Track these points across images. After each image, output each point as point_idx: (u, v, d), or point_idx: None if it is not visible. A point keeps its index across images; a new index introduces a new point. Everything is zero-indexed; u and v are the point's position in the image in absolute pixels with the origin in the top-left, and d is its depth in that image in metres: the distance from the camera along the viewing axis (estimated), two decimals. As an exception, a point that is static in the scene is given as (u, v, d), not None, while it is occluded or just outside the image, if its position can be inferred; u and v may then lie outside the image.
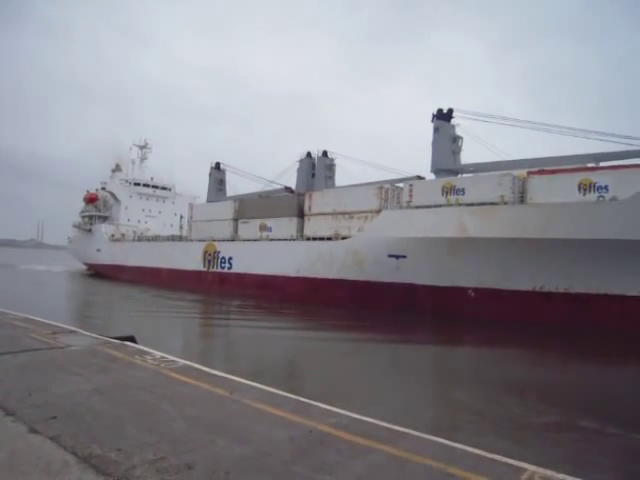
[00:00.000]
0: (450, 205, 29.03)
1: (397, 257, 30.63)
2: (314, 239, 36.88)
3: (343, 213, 35.73)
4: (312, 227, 37.74)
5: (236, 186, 54.39)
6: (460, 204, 28.62)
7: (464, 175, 33.81)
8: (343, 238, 34.51)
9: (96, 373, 8.24)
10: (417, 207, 30.73)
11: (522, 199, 27.31)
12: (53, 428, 5.53)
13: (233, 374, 8.83)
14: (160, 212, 71.48)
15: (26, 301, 27.47)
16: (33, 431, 5.44)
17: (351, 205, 35.43)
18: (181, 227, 65.62)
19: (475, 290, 28.68)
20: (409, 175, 37.41)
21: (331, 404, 7.12)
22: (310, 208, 38.27)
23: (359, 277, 32.75)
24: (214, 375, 8.63)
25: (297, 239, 38.26)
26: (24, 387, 7.12)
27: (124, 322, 25.33)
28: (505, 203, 27.25)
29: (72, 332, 12.66)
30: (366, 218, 33.92)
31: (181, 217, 68.12)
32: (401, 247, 30.29)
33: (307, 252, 36.61)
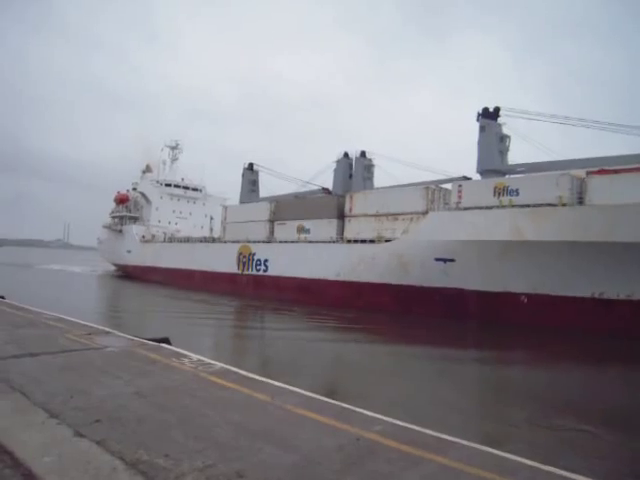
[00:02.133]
0: (503, 207, 28.64)
1: (445, 261, 30.40)
2: (355, 241, 36.90)
3: (387, 215, 35.62)
4: (353, 229, 37.74)
5: (269, 187, 55.23)
6: (513, 205, 28.21)
7: (516, 175, 33.35)
8: (387, 241, 34.45)
9: (135, 376, 8.48)
10: (467, 208, 30.43)
11: (580, 200, 26.77)
12: (98, 432, 5.70)
13: (271, 378, 8.97)
14: (190, 213, 72.89)
15: (54, 301, 28.22)
16: (78, 434, 5.61)
17: (395, 206, 35.28)
18: (211, 229, 67.06)
19: (528, 296, 28.24)
20: (454, 176, 37.10)
21: (374, 410, 7.16)
22: (351, 209, 38.27)
23: (403, 281, 32.60)
24: (253, 379, 8.78)
25: (337, 241, 38.32)
26: (65, 389, 7.38)
27: (157, 324, 25.98)
28: (563, 204, 26.72)
29: (107, 333, 13.10)
30: (411, 220, 33.75)
31: (211, 219, 69.98)
32: (449, 250, 30.05)
33: (348, 255, 36.65)
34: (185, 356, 10.41)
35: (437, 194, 33.82)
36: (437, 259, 30.64)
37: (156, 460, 4.99)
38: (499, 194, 29.11)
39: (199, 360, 10.11)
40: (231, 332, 27.16)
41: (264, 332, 27.79)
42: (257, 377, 8.96)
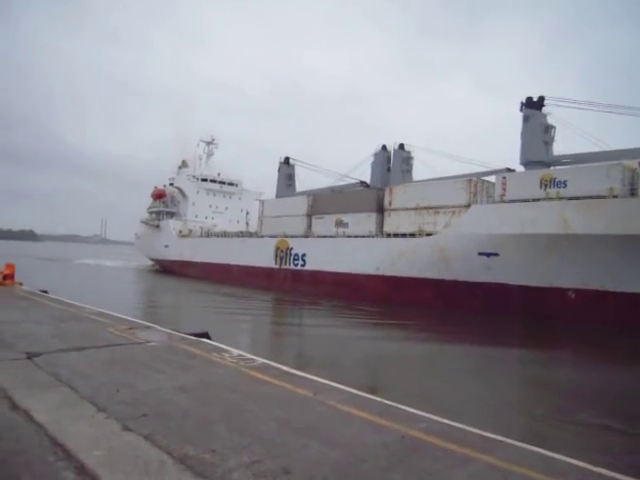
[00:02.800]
0: (550, 199, 28.14)
1: (488, 255, 30.10)
2: (395, 235, 36.86)
3: (427, 208, 35.44)
4: (393, 223, 37.70)
5: (305, 181, 55.71)
6: (561, 198, 27.70)
7: (563, 166, 32.77)
8: (428, 234, 34.26)
9: (177, 370, 8.68)
10: (511, 201, 30.02)
11: (633, 192, 26.12)
12: (145, 426, 5.85)
13: (310, 373, 9.08)
14: (227, 208, 74.16)
15: (94, 295, 28.94)
16: (126, 429, 5.76)
17: (436, 200, 35.08)
18: (247, 223, 67.87)
19: (576, 291, 27.74)
20: (495, 168, 36.64)
21: (418, 408, 7.21)
22: (391, 203, 38.18)
23: (445, 276, 32.44)
24: (294, 375, 8.87)
25: (377, 235, 38.35)
26: (111, 383, 7.60)
27: (195, 318, 26.55)
28: (615, 196, 26.12)
29: (148, 327, 13.37)
30: (453, 213, 33.53)
31: (247, 213, 71.07)
32: (493, 244, 29.73)
33: (388, 249, 36.69)
34: (225, 351, 10.56)
35: (480, 187, 33.48)
36: (480, 253, 30.36)
37: (203, 455, 5.09)
38: (546, 186, 28.62)
39: (240, 355, 10.25)
40: (269, 327, 27.43)
41: (302, 327, 28.03)
42: (298, 372, 9.06)
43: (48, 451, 5.11)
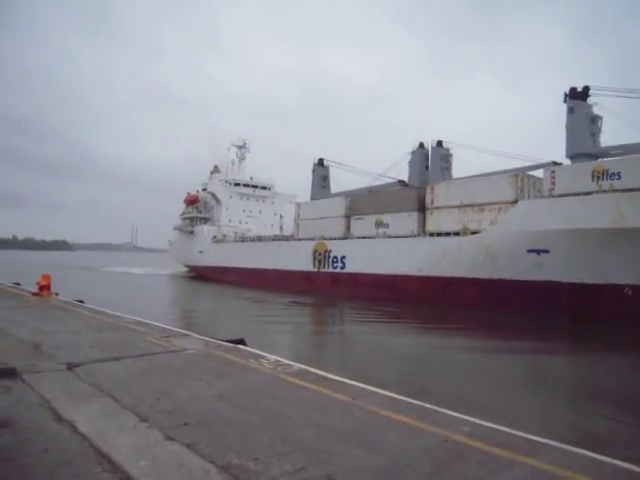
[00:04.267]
0: (603, 192, 27.67)
1: (538, 252, 29.75)
2: (438, 235, 36.72)
3: (472, 205, 35.29)
4: (435, 222, 37.59)
5: (340, 182, 55.87)
6: (615, 190, 27.20)
7: (614, 158, 32.11)
8: (473, 233, 34.05)
9: (216, 377, 8.92)
10: (561, 195, 29.62)
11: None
12: (187, 435, 6.05)
13: (349, 378, 9.17)
14: (260, 212, 75.01)
15: (129, 304, 29.37)
16: (169, 438, 5.97)
17: (481, 196, 34.87)
18: (281, 227, 68.67)
19: (633, 288, 27.22)
20: (542, 162, 36.13)
21: (459, 411, 7.28)
22: (433, 201, 38.09)
23: (492, 275, 32.17)
24: (332, 380, 9.01)
25: (419, 235, 38.27)
26: (151, 392, 7.87)
27: (231, 325, 26.79)
28: (674, 187, 25.57)
29: (185, 335, 13.67)
30: (499, 210, 33.25)
31: (281, 217, 72.12)
32: (543, 241, 29.37)
33: (431, 249, 36.59)
34: (262, 357, 10.76)
35: (526, 182, 33.13)
36: (530, 250, 30.03)
37: (246, 463, 5.24)
38: (598, 178, 28.16)
39: (277, 361, 10.44)
40: (308, 333, 27.49)
41: (342, 332, 28.07)
42: (336, 377, 9.17)
43: (94, 462, 5.32)
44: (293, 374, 9.31)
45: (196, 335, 13.65)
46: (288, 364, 10.20)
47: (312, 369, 9.81)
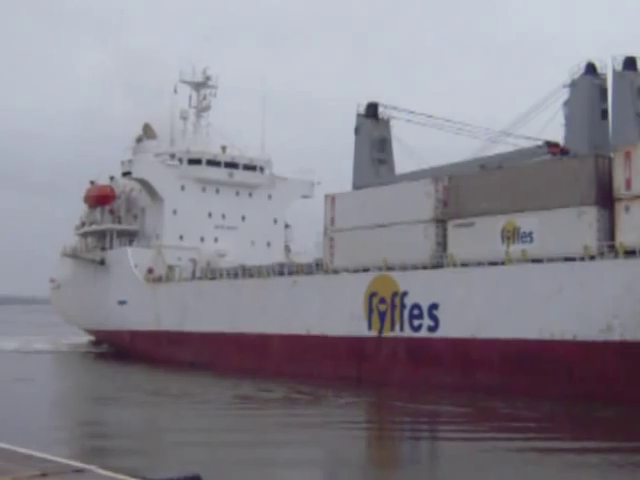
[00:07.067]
0: None
1: None
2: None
3: None
4: (637, 226, 23.97)
5: (412, 150, 36.74)
6: None
7: None
8: None
9: None
10: None
11: None
12: None
13: None
14: (244, 218, 49.98)
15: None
16: None
17: None
18: (287, 247, 47.19)
19: None
20: None
21: None
22: (630, 183, 23.30)
23: None
24: None
25: (602, 255, 25.17)
26: None
27: (185, 449, 18.44)
28: None
29: (78, 472, 7.90)
30: None
31: (286, 226, 49.69)
32: None
33: (632, 284, 23.14)
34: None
35: None
36: None
37: None
38: None
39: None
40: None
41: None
42: None
43: None
44: None
45: (101, 470, 7.63)
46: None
47: None
